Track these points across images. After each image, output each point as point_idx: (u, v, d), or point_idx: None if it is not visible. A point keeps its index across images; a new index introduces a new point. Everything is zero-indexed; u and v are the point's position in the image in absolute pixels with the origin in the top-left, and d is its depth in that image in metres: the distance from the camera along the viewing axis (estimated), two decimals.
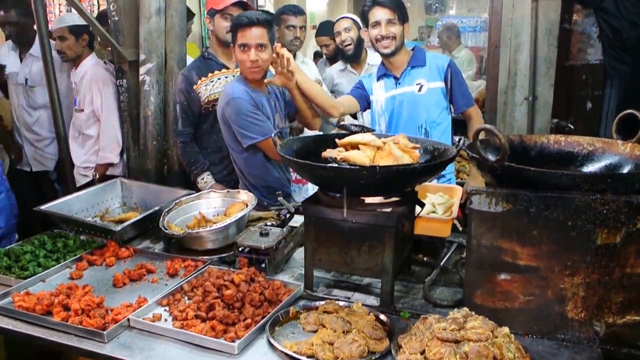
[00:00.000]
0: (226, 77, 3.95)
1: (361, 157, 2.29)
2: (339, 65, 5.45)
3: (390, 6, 3.58)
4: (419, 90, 3.71)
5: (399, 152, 2.33)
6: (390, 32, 3.59)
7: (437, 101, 3.72)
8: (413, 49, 3.83)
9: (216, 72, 3.95)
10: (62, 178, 5.01)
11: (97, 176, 4.65)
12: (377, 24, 3.61)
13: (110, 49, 4.56)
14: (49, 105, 4.48)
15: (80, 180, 4.79)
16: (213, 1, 3.95)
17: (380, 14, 3.59)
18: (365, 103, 3.91)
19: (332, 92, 5.45)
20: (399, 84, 3.77)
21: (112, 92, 4.69)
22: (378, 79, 3.85)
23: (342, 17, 5.32)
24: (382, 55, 3.73)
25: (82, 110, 4.71)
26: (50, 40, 4.37)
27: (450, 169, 3.92)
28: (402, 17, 3.62)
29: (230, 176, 3.92)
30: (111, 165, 4.73)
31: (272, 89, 3.61)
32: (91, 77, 4.67)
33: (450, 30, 8.38)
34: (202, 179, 3.90)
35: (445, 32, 8.45)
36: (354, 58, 5.27)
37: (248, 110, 3.36)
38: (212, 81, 3.92)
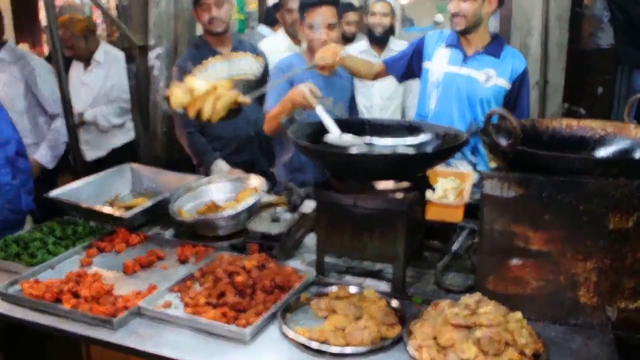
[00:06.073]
0: (221, 64, 3.84)
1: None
2: (361, 45, 5.23)
3: None
4: (486, 81, 3.30)
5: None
6: (460, 10, 3.18)
7: (496, 101, 3.31)
8: (494, 36, 3.40)
9: (210, 58, 3.81)
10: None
11: None
12: None
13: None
14: None
15: None
16: None
17: None
18: (402, 71, 3.58)
19: None
20: (465, 63, 3.34)
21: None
22: (446, 46, 3.42)
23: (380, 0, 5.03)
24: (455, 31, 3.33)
25: None
26: None
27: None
28: None
29: (234, 166, 3.87)
30: None
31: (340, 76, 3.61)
32: None
33: None
34: (217, 166, 3.84)
35: None
36: (380, 42, 5.09)
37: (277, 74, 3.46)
38: (207, 69, 3.78)
